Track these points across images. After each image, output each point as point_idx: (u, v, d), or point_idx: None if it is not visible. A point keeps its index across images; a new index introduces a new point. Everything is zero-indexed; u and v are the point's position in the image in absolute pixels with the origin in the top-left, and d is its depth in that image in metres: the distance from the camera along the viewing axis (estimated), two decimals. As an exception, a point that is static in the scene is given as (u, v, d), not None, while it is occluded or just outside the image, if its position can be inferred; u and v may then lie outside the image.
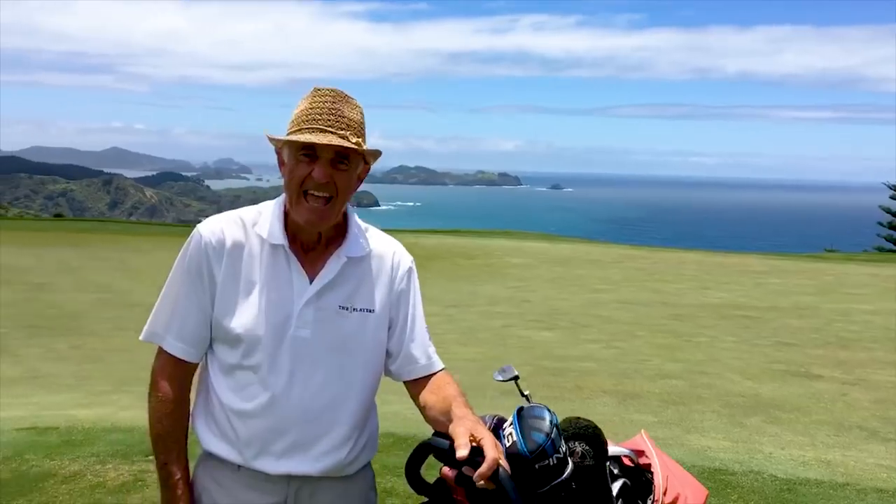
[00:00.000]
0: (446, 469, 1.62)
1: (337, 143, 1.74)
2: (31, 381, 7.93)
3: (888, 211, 49.33)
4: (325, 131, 1.76)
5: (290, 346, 1.81)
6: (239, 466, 1.84)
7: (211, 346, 1.90)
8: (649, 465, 1.94)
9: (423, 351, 1.94)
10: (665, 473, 1.92)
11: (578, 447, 1.78)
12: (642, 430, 2.11)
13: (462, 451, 1.53)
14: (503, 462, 1.55)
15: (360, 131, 1.81)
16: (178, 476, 1.86)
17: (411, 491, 1.76)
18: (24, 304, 12.45)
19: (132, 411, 6.58)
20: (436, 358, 1.96)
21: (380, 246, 1.95)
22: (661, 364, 8.67)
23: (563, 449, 1.67)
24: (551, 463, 1.63)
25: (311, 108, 1.79)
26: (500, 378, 1.95)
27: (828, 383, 7.93)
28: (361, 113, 1.84)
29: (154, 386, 1.88)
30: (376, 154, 1.85)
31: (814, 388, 7.68)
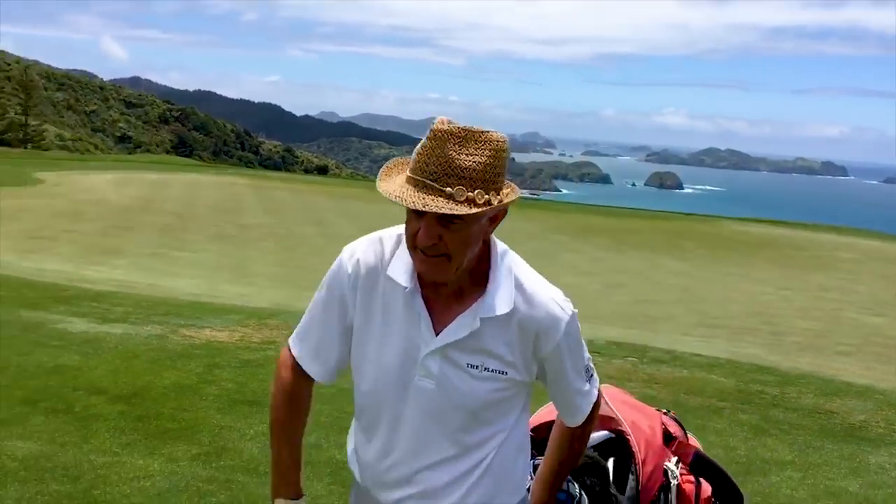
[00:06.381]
0: None
1: (431, 208, 1.48)
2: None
3: None
4: (427, 186, 1.50)
5: (413, 396, 1.71)
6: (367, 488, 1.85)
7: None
8: (621, 429, 2.28)
9: (567, 407, 1.84)
10: (630, 425, 2.27)
11: (588, 481, 2.19)
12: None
13: None
14: None
15: (479, 181, 1.50)
16: (289, 463, 1.85)
17: None
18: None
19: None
20: (579, 418, 1.85)
21: (530, 301, 1.68)
22: None
23: (577, 490, 2.15)
24: None
25: (420, 151, 1.54)
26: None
27: None
28: (494, 153, 1.52)
29: (280, 380, 1.85)
30: (502, 206, 1.57)
31: None
